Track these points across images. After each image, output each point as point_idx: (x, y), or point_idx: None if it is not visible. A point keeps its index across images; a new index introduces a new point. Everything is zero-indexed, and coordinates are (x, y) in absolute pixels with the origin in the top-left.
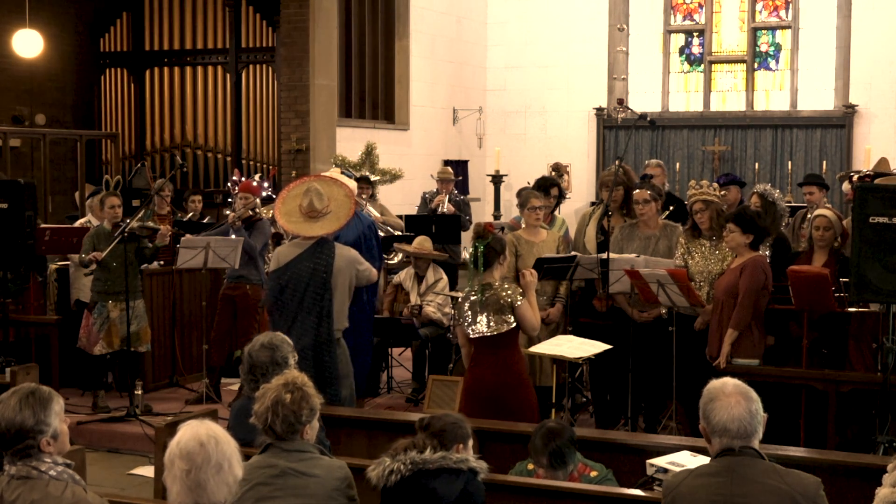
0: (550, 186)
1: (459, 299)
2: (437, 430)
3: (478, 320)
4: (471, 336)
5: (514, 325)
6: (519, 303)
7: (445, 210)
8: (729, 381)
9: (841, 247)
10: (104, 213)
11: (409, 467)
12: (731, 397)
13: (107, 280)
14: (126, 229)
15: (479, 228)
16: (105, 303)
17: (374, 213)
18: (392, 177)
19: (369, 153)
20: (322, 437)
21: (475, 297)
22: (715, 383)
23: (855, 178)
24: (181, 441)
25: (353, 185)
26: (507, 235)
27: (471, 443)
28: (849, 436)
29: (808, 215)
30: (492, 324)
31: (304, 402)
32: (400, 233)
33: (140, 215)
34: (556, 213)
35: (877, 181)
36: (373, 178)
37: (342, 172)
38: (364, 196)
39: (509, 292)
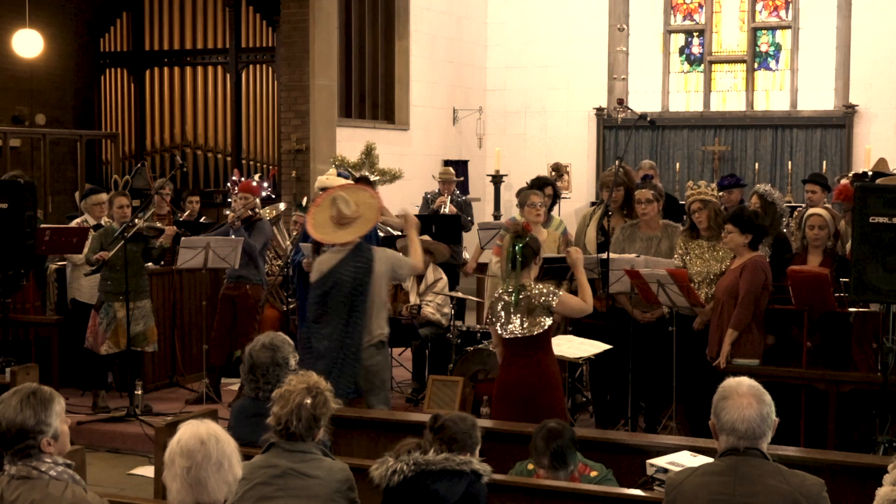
0: (544, 185)
1: (493, 299)
2: (448, 438)
3: (511, 321)
4: (504, 337)
5: (547, 327)
6: (556, 302)
7: (447, 211)
8: (745, 381)
9: (834, 246)
10: (113, 213)
11: (412, 468)
12: (745, 398)
13: (114, 280)
14: (132, 229)
15: (517, 228)
16: (112, 303)
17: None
18: (392, 177)
19: (368, 153)
20: (325, 438)
21: (509, 298)
22: (731, 381)
23: (851, 175)
24: (182, 439)
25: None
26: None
27: (478, 448)
28: (855, 436)
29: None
30: (525, 325)
31: (326, 407)
32: (400, 233)
33: (147, 215)
34: (554, 213)
35: (878, 181)
36: (372, 178)
37: (339, 174)
38: None
39: (544, 293)
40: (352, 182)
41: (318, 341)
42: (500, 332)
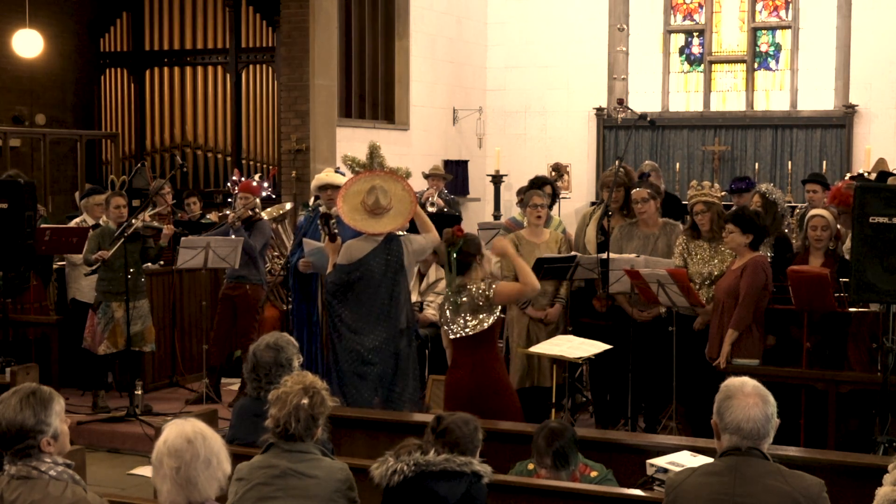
0: (543, 185)
1: (441, 300)
2: (451, 441)
3: (457, 321)
4: (450, 337)
5: (490, 324)
6: (493, 292)
7: (434, 202)
8: (748, 381)
9: (836, 248)
10: (109, 213)
11: (413, 468)
12: (750, 398)
13: (111, 280)
14: (130, 229)
15: (447, 236)
16: (109, 303)
17: None
18: (402, 176)
19: (373, 154)
20: (324, 438)
21: (452, 298)
22: (734, 381)
23: (848, 177)
24: (168, 439)
25: (343, 181)
26: (509, 236)
27: (478, 451)
28: (851, 426)
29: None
30: (469, 324)
31: (323, 406)
32: (403, 233)
33: (145, 215)
34: (554, 212)
35: (888, 180)
36: None
37: (336, 171)
38: None
39: (482, 288)
40: (386, 171)
41: (357, 325)
42: (447, 332)
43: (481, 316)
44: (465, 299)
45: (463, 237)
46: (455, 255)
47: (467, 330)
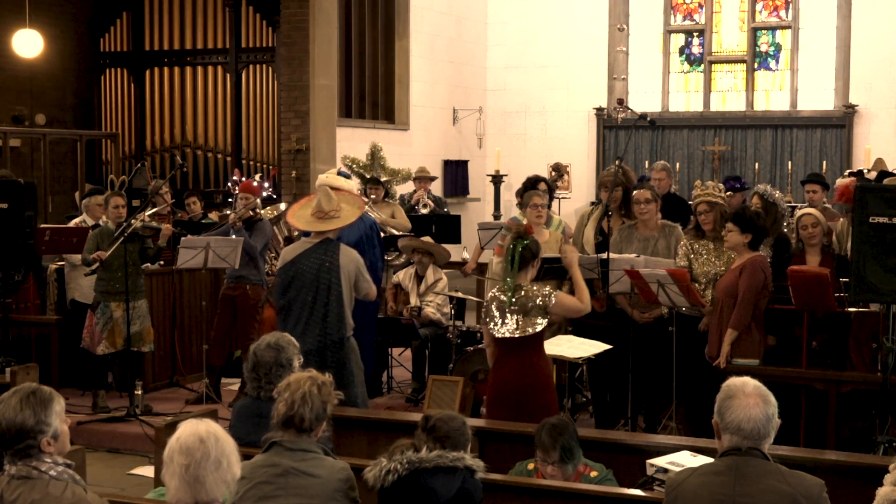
0: (538, 182)
1: (488, 298)
2: (441, 436)
3: (506, 321)
4: (497, 337)
5: (541, 328)
6: (553, 302)
7: (426, 202)
8: (750, 381)
9: (829, 243)
10: (108, 213)
11: (406, 467)
12: (751, 398)
13: (110, 280)
14: (129, 229)
15: (520, 228)
16: (108, 303)
17: (377, 214)
18: (403, 177)
19: (374, 155)
20: (325, 437)
21: (505, 297)
22: (735, 381)
23: (848, 173)
24: (181, 437)
25: (350, 184)
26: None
27: (469, 446)
28: (846, 433)
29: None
30: (519, 326)
31: (331, 396)
32: (400, 234)
33: (142, 215)
34: (554, 213)
35: (885, 181)
36: (383, 178)
37: (339, 173)
38: (374, 196)
39: (541, 293)
40: (350, 186)
41: (288, 330)
42: (493, 331)
43: (535, 319)
44: (518, 300)
45: (531, 235)
46: (520, 249)
47: (518, 332)
